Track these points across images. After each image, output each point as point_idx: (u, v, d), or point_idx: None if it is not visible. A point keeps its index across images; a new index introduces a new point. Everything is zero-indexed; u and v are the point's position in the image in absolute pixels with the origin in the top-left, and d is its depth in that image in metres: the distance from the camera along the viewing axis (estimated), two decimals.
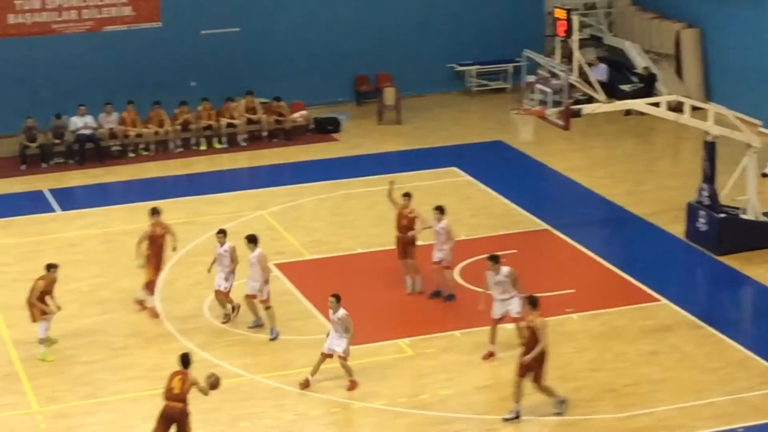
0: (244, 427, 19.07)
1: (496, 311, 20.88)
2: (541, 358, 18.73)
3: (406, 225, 23.25)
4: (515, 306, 20.72)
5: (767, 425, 18.78)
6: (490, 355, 20.95)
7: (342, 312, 19.88)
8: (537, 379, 18.88)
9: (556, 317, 22.04)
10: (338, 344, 19.95)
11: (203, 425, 18.93)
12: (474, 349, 21.26)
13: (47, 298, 21.37)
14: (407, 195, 23.45)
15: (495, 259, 20.80)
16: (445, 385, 20.11)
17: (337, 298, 19.92)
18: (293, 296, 23.43)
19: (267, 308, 21.83)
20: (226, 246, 22.18)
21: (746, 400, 19.46)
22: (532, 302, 18.84)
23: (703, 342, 21.48)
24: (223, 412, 19.40)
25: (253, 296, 21.84)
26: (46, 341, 21.43)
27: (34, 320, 21.44)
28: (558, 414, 19.06)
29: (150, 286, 22.61)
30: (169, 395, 17.56)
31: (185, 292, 23.32)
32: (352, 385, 19.97)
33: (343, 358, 19.89)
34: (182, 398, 17.53)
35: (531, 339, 18.72)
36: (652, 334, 21.68)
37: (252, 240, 21.81)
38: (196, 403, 19.40)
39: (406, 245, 23.31)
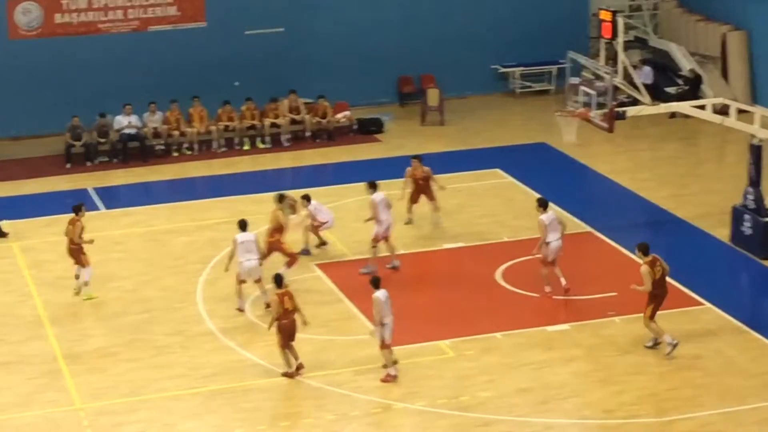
0: (284, 427, 19.09)
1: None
2: (648, 299, 20.67)
3: (422, 182, 25.87)
4: (544, 250, 22.71)
5: None
6: (567, 290, 22.83)
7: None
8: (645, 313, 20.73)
9: (599, 320, 21.99)
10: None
11: (244, 424, 19.00)
12: (515, 350, 21.20)
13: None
14: (417, 157, 26.10)
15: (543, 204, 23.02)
16: (485, 387, 20.05)
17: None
18: (335, 296, 23.45)
19: (374, 246, 24.17)
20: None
21: None
22: (642, 249, 20.87)
23: (748, 347, 21.31)
24: (264, 411, 19.44)
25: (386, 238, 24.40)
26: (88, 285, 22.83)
27: (86, 264, 22.94)
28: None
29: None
30: (286, 313, 19.96)
31: (228, 290, 23.37)
32: (388, 379, 20.11)
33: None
34: (296, 310, 20.14)
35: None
36: (696, 338, 21.52)
37: (372, 186, 24.37)
38: (236, 401, 19.52)
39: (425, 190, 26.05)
